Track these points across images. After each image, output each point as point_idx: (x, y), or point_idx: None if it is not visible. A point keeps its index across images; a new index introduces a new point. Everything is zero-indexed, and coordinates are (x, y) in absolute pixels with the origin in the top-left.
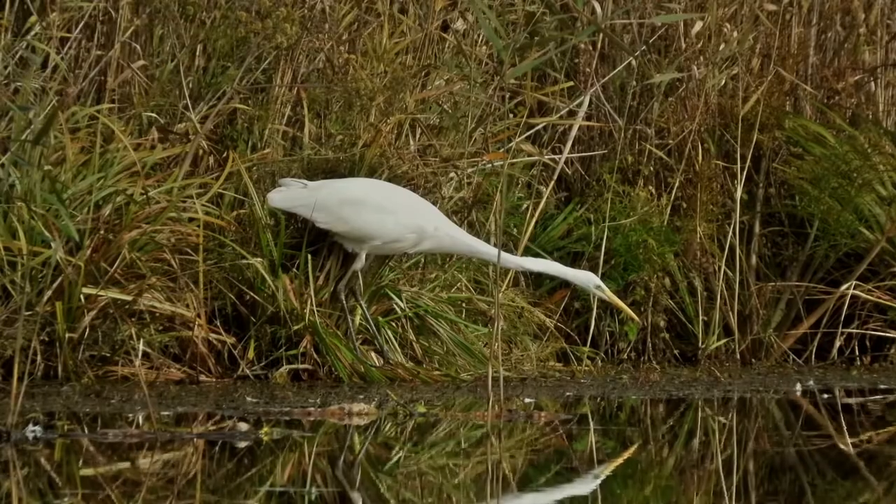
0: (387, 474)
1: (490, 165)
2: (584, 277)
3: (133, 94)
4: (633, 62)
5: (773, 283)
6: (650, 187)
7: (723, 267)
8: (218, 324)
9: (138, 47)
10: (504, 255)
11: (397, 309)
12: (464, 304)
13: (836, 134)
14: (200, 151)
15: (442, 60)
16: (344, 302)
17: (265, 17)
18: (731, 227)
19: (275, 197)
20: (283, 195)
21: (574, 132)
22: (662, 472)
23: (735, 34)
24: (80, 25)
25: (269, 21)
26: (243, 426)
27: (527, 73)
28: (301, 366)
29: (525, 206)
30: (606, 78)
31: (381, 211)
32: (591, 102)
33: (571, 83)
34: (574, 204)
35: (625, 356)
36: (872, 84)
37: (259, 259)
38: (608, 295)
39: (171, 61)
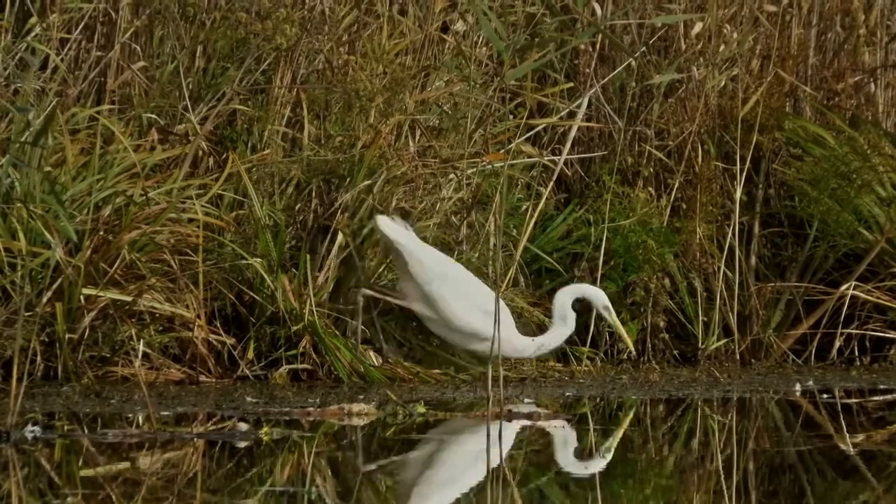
0: (386, 474)
1: (490, 166)
2: (594, 293)
3: (133, 96)
4: (633, 63)
5: (772, 284)
6: (650, 188)
7: (722, 267)
8: (218, 324)
9: (138, 48)
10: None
11: (397, 308)
12: None
13: (835, 135)
14: (200, 152)
15: (442, 62)
16: (360, 305)
17: (265, 18)
18: (731, 227)
19: (388, 224)
20: (393, 227)
21: (574, 133)
22: (662, 472)
23: (735, 35)
24: (80, 26)
25: (268, 22)
26: (243, 426)
27: (527, 74)
28: (300, 366)
29: (524, 207)
30: (606, 79)
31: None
32: (590, 104)
33: (571, 84)
34: (573, 205)
35: (624, 356)
36: (872, 85)
37: (258, 259)
38: (612, 318)
39: (171, 62)
